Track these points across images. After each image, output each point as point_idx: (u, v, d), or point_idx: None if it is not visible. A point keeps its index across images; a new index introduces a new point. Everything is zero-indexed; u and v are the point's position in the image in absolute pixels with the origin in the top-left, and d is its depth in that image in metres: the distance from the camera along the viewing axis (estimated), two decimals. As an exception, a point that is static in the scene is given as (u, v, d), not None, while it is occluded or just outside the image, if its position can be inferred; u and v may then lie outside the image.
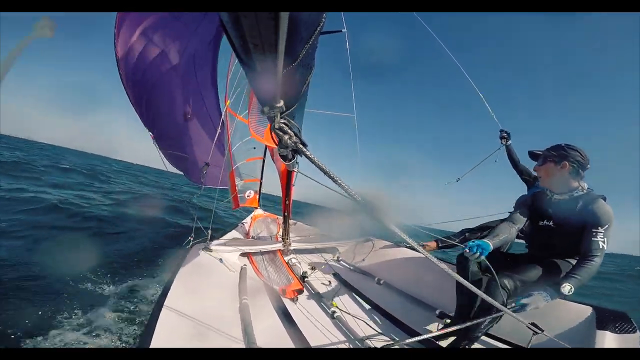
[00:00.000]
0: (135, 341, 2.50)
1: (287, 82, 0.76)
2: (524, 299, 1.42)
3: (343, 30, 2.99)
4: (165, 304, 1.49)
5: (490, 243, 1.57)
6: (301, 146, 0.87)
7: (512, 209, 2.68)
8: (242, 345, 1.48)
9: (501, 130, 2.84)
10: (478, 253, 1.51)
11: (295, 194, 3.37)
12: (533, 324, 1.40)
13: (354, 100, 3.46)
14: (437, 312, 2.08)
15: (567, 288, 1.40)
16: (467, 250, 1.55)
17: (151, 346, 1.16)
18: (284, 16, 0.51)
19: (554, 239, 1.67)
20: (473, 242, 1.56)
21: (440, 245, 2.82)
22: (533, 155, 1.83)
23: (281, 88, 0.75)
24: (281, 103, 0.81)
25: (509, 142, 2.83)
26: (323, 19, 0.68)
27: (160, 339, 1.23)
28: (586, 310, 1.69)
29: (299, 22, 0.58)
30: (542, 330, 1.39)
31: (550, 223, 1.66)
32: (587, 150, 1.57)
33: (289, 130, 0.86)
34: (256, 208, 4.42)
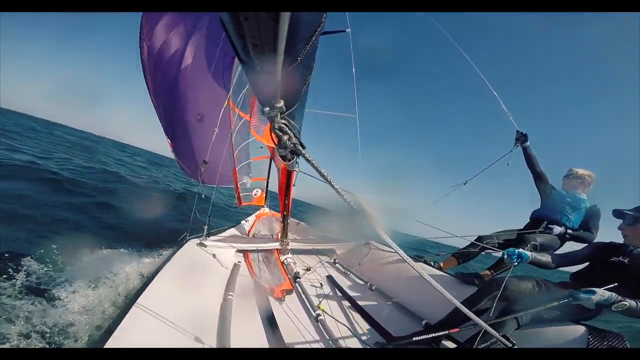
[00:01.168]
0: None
1: (287, 82, 0.75)
2: (584, 294, 1.48)
3: (347, 30, 2.97)
4: (139, 299, 1.39)
5: (530, 256, 1.74)
6: (300, 147, 0.87)
7: (529, 221, 2.61)
8: (214, 344, 1.45)
9: (517, 131, 2.65)
10: (516, 262, 1.71)
11: (299, 194, 3.36)
12: (504, 337, 1.37)
13: (356, 101, 3.45)
14: (424, 323, 2.06)
15: (625, 303, 1.45)
16: (507, 257, 1.74)
17: (106, 345, 1.06)
18: (284, 16, 0.51)
19: (621, 274, 1.67)
20: (514, 250, 1.74)
21: (460, 261, 2.67)
22: (620, 214, 1.88)
23: (281, 88, 0.74)
24: (281, 103, 0.81)
25: (527, 143, 2.62)
26: (323, 19, 0.68)
27: (120, 338, 1.13)
28: (579, 329, 1.68)
29: (299, 22, 0.58)
30: (514, 344, 1.37)
31: (626, 260, 1.70)
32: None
33: (289, 131, 0.86)
34: (262, 207, 4.42)
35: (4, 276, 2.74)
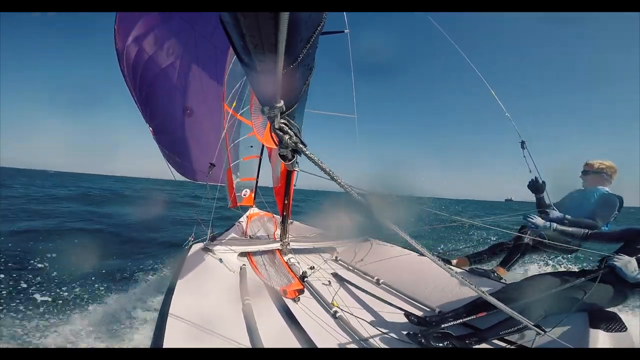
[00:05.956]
0: (137, 342, 2.53)
1: (288, 82, 0.76)
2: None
3: (346, 30, 2.98)
4: (171, 305, 1.53)
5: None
6: (301, 146, 0.88)
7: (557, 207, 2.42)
8: (248, 346, 1.49)
9: (522, 141, 2.49)
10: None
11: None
12: (537, 325, 1.41)
13: (354, 101, 3.47)
14: (437, 311, 2.09)
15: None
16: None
17: (164, 346, 1.20)
18: (284, 16, 0.52)
19: None
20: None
21: (472, 260, 2.66)
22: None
23: (281, 88, 0.75)
24: (281, 103, 0.81)
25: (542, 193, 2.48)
26: (323, 19, 0.69)
27: (171, 340, 1.26)
28: (579, 314, 1.70)
29: (299, 22, 0.59)
30: (545, 331, 1.40)
31: None
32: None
33: (289, 130, 0.87)
34: (251, 207, 4.42)
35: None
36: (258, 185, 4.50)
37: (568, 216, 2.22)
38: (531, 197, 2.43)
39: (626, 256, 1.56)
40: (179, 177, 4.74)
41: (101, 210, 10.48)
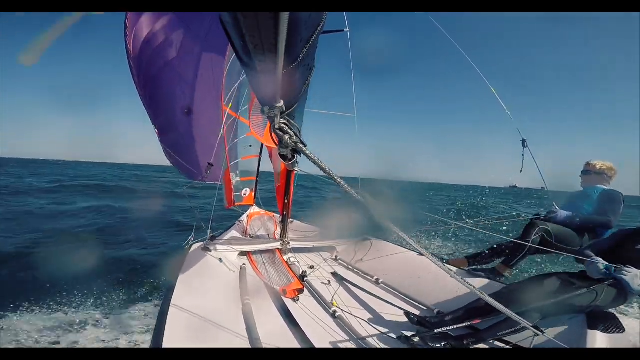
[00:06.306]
0: (137, 343, 2.51)
1: (288, 82, 0.76)
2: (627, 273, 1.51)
3: (345, 30, 2.98)
4: (171, 305, 1.53)
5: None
6: (301, 146, 0.88)
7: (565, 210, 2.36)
8: (247, 346, 1.50)
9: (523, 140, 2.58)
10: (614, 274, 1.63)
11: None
12: (535, 327, 1.41)
13: (354, 100, 3.46)
14: (436, 311, 2.09)
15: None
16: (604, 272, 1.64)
17: (163, 346, 1.21)
18: (284, 16, 0.52)
19: None
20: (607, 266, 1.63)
21: (470, 262, 2.61)
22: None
23: (281, 88, 0.75)
24: (281, 103, 0.82)
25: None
26: (323, 19, 0.69)
27: (171, 340, 1.27)
28: (578, 316, 1.70)
29: (299, 22, 0.59)
30: (543, 332, 1.41)
31: None
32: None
33: (289, 130, 0.87)
34: (252, 206, 4.43)
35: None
36: (260, 170, 4.51)
37: (579, 214, 2.21)
38: (535, 184, 2.44)
39: (634, 269, 1.54)
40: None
41: (60, 208, 8.26)
